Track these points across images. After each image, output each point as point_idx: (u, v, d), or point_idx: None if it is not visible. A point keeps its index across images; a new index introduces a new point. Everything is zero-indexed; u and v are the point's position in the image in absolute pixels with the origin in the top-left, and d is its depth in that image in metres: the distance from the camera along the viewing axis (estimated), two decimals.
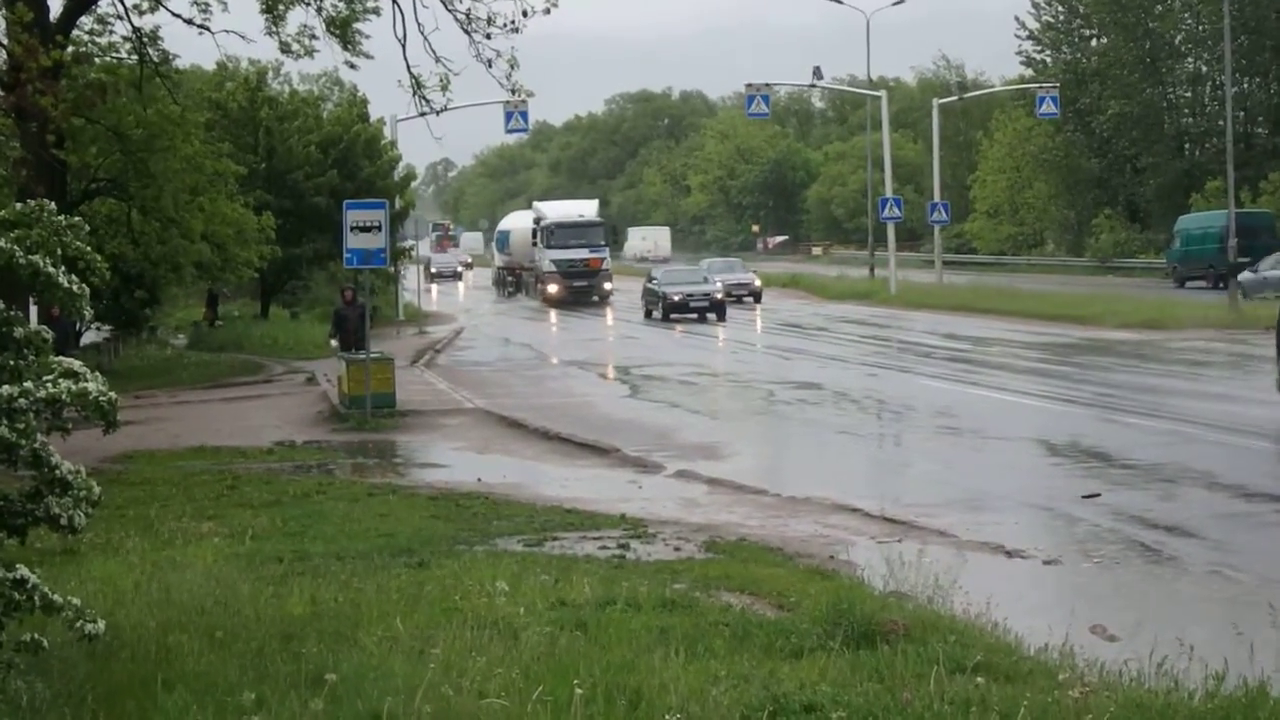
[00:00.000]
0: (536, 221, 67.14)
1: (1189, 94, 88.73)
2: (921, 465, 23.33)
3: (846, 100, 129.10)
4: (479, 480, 22.20)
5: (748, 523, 18.51)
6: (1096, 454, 23.63)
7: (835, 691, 9.40)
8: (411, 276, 63.97)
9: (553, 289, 63.13)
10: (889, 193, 68.23)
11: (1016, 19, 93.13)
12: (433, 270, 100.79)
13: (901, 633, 11.22)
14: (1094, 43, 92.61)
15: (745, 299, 64.72)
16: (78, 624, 9.76)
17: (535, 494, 21.04)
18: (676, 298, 55.27)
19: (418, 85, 28.47)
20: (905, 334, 47.15)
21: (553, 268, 63.62)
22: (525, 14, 25.76)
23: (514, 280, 76.49)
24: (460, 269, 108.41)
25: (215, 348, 47.23)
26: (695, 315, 55.63)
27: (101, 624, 9.91)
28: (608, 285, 64.15)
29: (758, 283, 67.08)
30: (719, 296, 55.62)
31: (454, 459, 25.65)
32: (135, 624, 11.06)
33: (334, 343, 33.51)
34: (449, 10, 26.31)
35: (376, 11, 28.14)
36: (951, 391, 32.00)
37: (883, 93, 74.68)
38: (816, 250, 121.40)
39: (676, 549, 16.32)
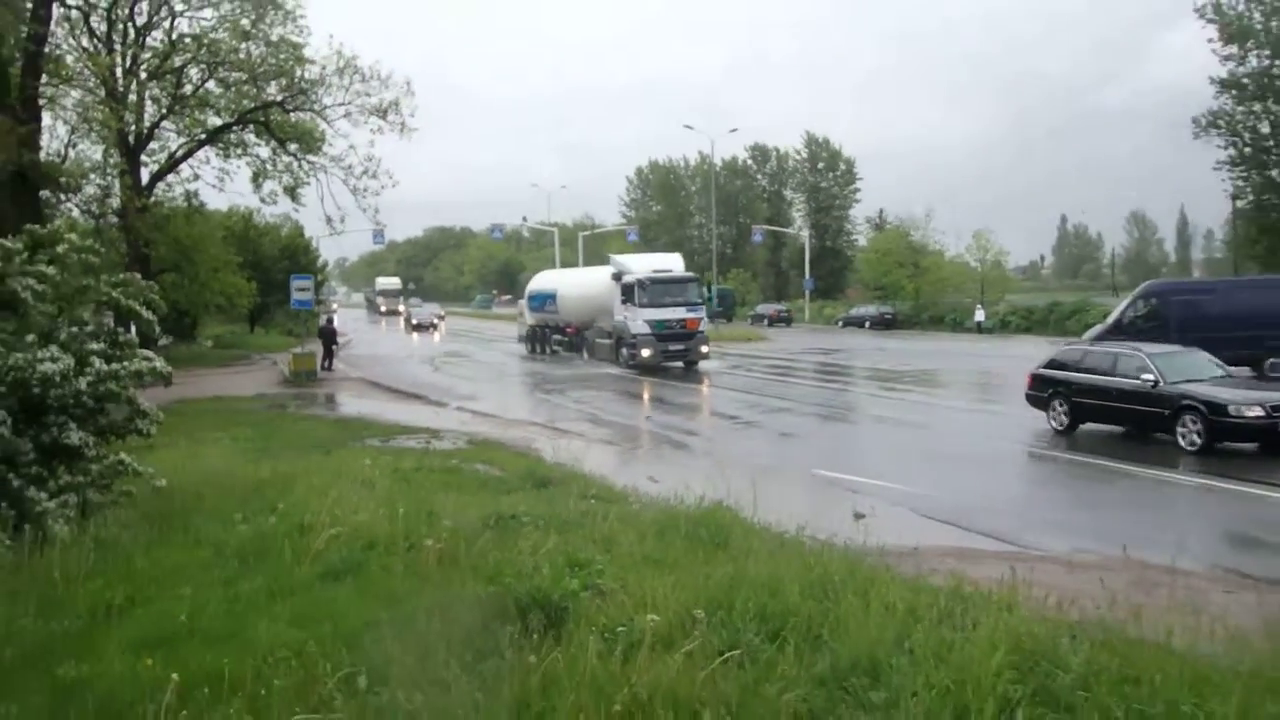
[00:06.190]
0: (617, 278, 46.94)
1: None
2: (572, 407, 28.19)
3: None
4: (358, 413, 26.24)
5: (491, 432, 22.52)
6: (658, 400, 28.73)
7: (527, 508, 11.37)
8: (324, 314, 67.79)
9: (646, 353, 44.21)
10: None
11: None
12: (414, 321, 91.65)
13: (558, 481, 13.99)
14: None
15: None
16: (152, 482, 11.50)
17: (386, 418, 24.92)
18: (1252, 415, 18.95)
19: (329, 219, 41.74)
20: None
21: (646, 329, 44.38)
22: (381, 188, 40.15)
23: (563, 339, 54.16)
24: (436, 320, 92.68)
25: (227, 346, 57.99)
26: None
27: (164, 482, 11.65)
28: (704, 349, 45.27)
29: None
30: None
31: (346, 401, 30.29)
32: (181, 483, 12.27)
33: (323, 357, 41.91)
34: (345, 185, 40.25)
35: (308, 184, 41.54)
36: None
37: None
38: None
39: (454, 444, 19.28)
